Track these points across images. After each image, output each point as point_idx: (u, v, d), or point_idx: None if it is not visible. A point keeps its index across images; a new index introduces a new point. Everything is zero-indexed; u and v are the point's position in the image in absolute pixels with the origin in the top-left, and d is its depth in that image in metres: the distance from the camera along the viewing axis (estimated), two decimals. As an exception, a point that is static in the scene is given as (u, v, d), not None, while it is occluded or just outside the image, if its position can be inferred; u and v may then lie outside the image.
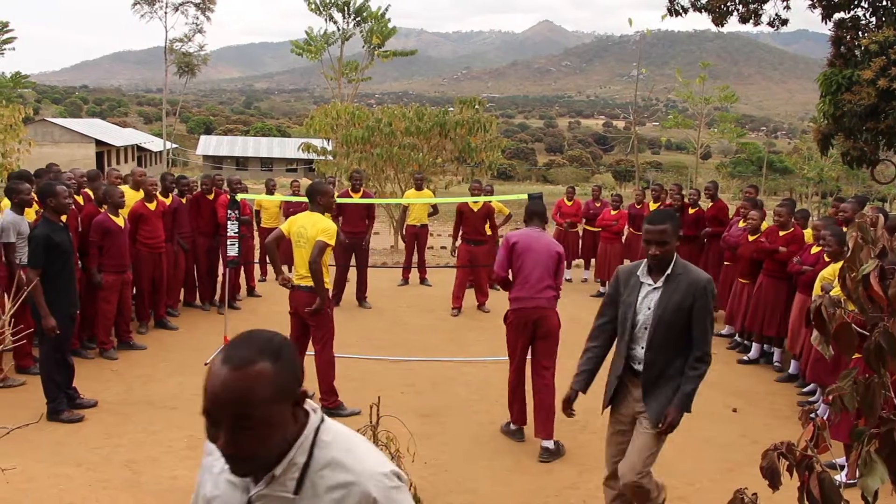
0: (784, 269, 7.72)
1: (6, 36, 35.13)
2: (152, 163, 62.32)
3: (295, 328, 6.44)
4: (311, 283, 6.13)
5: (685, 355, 3.89)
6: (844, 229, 7.18)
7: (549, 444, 5.61)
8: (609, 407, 4.19)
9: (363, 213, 10.50)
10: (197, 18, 39.24)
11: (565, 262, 6.25)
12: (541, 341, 5.73)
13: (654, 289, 3.88)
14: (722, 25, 12.64)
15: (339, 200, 9.77)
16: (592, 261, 12.69)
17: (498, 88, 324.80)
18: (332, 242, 6.14)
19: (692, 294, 3.79)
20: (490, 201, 10.75)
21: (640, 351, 3.93)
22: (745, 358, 8.37)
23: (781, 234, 7.92)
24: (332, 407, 6.29)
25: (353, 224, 10.28)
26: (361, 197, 10.50)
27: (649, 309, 3.87)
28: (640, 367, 3.94)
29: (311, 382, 6.60)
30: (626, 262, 12.28)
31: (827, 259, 6.79)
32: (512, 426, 6.01)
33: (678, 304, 3.80)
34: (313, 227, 6.11)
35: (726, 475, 5.33)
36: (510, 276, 5.78)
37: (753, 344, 8.39)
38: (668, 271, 3.84)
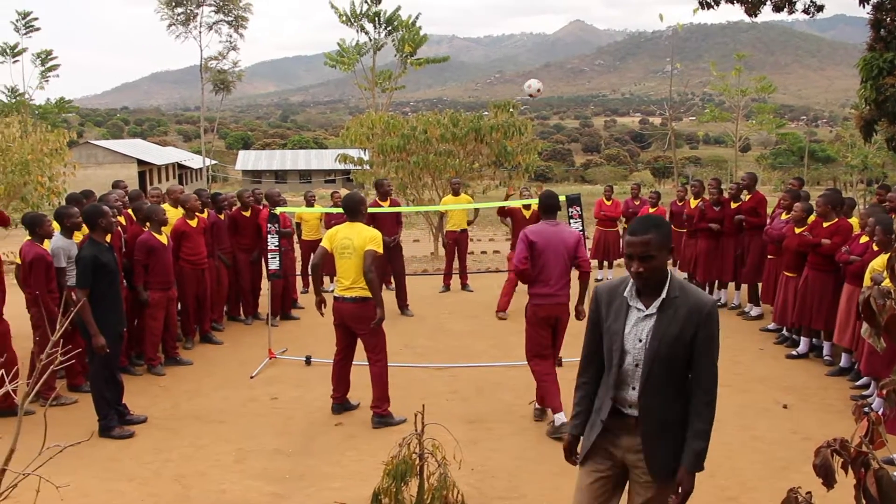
0: (830, 261, 7.56)
1: (50, 63, 35.90)
2: (193, 180, 63.31)
3: (342, 339, 6.48)
4: (357, 294, 6.17)
5: (686, 397, 3.13)
6: (893, 217, 7.03)
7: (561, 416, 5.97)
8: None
9: (394, 219, 10.61)
10: (230, 36, 39.71)
11: (584, 241, 6.49)
12: (558, 331, 6.26)
13: (647, 316, 3.10)
14: (755, 16, 12.49)
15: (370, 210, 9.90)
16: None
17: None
18: (381, 250, 6.22)
19: (694, 322, 3.02)
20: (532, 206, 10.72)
21: (631, 393, 3.16)
22: (794, 353, 8.21)
23: (825, 225, 7.76)
24: (384, 415, 6.31)
25: (387, 231, 10.34)
26: (390, 205, 10.59)
27: (640, 341, 3.10)
28: (631, 412, 3.18)
29: (357, 391, 6.63)
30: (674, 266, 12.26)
31: (876, 249, 6.64)
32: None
33: (676, 335, 3.03)
34: (359, 237, 6.16)
35: (778, 474, 5.22)
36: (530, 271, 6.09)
37: (802, 338, 8.23)
38: (664, 295, 3.07)
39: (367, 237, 6.17)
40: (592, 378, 3.35)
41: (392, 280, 10.90)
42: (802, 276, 7.98)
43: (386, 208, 10.35)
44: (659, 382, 3.09)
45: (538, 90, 10.38)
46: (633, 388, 3.15)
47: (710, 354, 3.07)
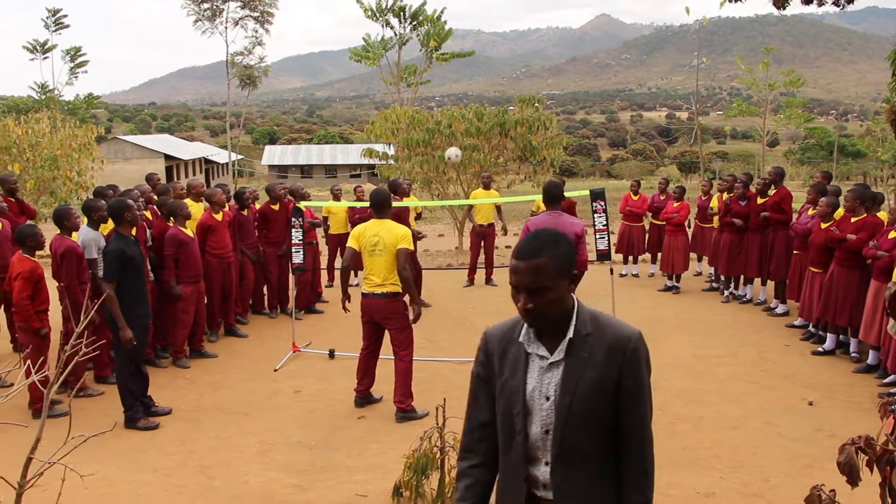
0: (856, 257, 7.46)
1: (79, 60, 36.29)
2: (220, 174, 63.80)
3: (369, 335, 6.47)
4: (387, 290, 6.14)
5: (616, 463, 2.32)
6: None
7: None
8: None
9: (405, 213, 10.73)
10: (256, 31, 39.86)
11: (585, 238, 6.54)
12: None
13: (552, 364, 2.28)
14: (784, 8, 12.32)
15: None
16: (660, 255, 12.48)
17: (558, 85, 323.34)
18: (412, 247, 6.21)
19: (616, 365, 2.24)
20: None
21: (543, 470, 2.31)
22: (821, 349, 8.12)
23: (853, 220, 7.65)
24: (407, 410, 6.33)
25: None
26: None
27: (548, 399, 2.28)
28: (546, 495, 2.33)
29: (380, 385, 6.65)
30: (693, 255, 12.16)
31: (904, 244, 6.55)
32: None
33: (595, 383, 2.23)
34: (389, 234, 6.13)
35: (803, 471, 5.17)
36: None
37: (828, 334, 8.13)
38: (570, 333, 2.26)
39: (397, 234, 6.13)
40: (485, 459, 2.45)
41: None
42: (828, 272, 7.89)
43: (404, 202, 10.44)
44: (578, 452, 2.28)
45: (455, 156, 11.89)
46: (546, 463, 2.31)
47: (639, 405, 2.28)
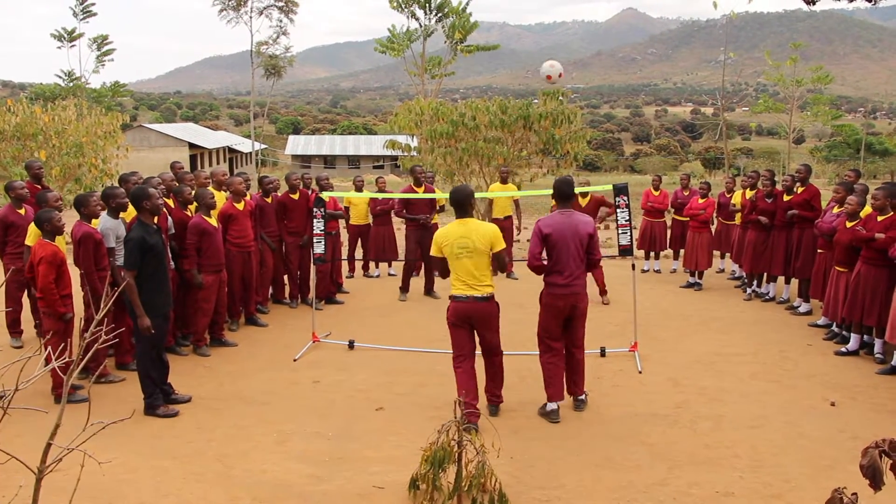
0: (884, 256, 7.35)
1: (106, 48, 36.59)
2: (243, 164, 64.11)
3: (466, 341, 6.02)
4: (486, 293, 5.83)
5: None
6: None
7: (583, 396, 6.36)
8: None
9: (427, 203, 10.83)
10: (281, 21, 40.00)
11: (598, 236, 6.37)
12: (576, 320, 6.20)
13: None
14: (813, 3, 12.15)
15: (401, 195, 10.46)
16: (682, 251, 12.39)
17: (582, 79, 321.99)
18: (504, 244, 5.91)
19: None
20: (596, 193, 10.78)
21: None
22: (844, 349, 8.01)
23: (880, 219, 7.54)
24: (499, 404, 6.28)
25: (422, 212, 10.79)
26: (424, 191, 10.72)
27: None
28: None
29: (402, 376, 6.64)
30: (715, 252, 12.07)
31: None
32: (550, 406, 6.14)
33: None
34: (477, 235, 5.76)
35: (823, 472, 5.10)
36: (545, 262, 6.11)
37: (852, 335, 8.03)
38: None
39: (487, 235, 5.77)
40: None
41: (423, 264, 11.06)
42: (855, 271, 7.78)
43: (420, 195, 10.46)
44: None
45: (552, 75, 10.71)
46: None
47: None
